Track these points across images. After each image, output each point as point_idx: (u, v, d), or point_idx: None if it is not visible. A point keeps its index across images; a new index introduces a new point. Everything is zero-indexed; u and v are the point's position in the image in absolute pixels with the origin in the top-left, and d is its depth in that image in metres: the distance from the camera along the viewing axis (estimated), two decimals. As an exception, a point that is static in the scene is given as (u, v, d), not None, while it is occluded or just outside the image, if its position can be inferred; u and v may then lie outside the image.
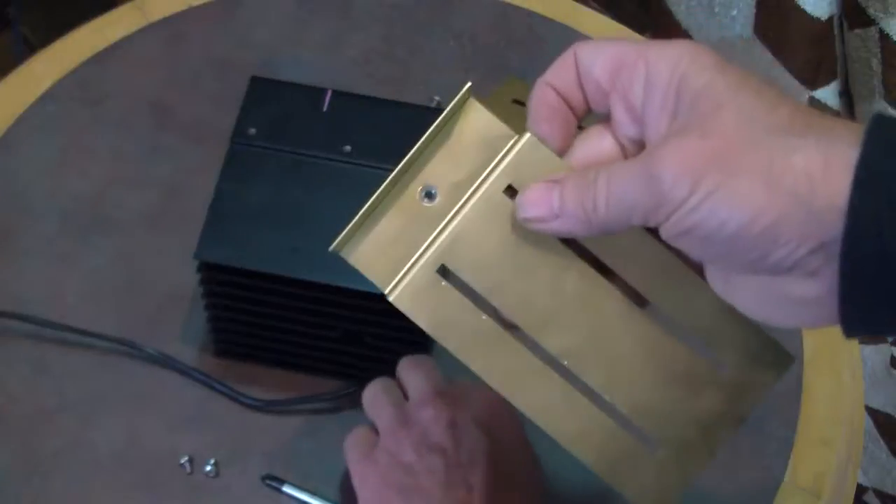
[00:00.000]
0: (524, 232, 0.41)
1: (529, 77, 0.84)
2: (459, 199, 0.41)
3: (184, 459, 0.64)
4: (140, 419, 0.66)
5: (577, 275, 0.41)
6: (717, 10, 1.09)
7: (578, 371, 0.41)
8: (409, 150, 0.41)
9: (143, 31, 0.83)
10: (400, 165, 0.41)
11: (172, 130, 0.78)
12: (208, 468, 0.64)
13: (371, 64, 0.84)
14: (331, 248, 0.41)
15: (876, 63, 0.99)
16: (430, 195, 0.41)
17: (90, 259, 0.72)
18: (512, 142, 0.41)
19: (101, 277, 0.71)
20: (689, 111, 0.36)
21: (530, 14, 0.87)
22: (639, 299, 0.42)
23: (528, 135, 0.41)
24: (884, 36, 0.97)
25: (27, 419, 0.66)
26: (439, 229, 0.41)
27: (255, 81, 0.67)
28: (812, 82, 1.07)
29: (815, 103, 1.08)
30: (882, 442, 1.07)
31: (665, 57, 0.38)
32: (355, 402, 0.61)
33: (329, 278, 0.59)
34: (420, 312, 0.42)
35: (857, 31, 0.99)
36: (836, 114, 1.09)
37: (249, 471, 0.65)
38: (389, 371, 0.59)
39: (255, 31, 0.84)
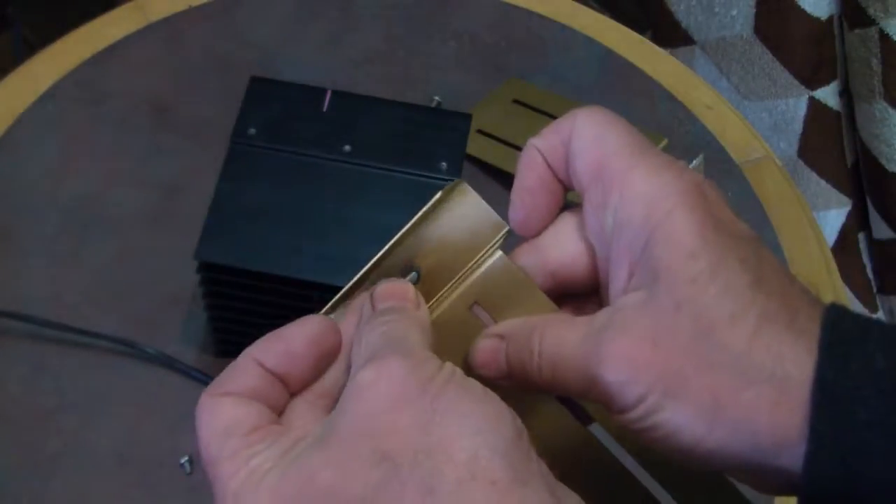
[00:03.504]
0: None
1: (529, 77, 0.85)
2: (435, 294, 0.39)
3: (184, 459, 0.64)
4: (140, 419, 0.66)
5: (534, 402, 0.39)
6: (717, 9, 1.09)
7: None
8: (401, 229, 0.39)
9: (143, 31, 0.84)
10: (390, 244, 0.39)
11: (172, 130, 0.78)
12: (208, 468, 0.64)
13: (371, 64, 0.84)
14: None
15: (876, 63, 0.99)
16: (413, 275, 0.39)
17: (90, 259, 0.72)
18: (483, 253, 0.39)
19: (100, 277, 0.71)
20: (648, 284, 0.34)
21: (530, 14, 0.87)
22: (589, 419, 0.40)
23: (498, 254, 0.39)
24: (884, 36, 0.97)
25: (27, 419, 0.66)
26: None
27: (255, 81, 0.67)
28: (812, 82, 1.07)
29: (815, 103, 1.08)
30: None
31: (643, 196, 0.34)
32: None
33: (329, 278, 0.59)
34: None
35: (857, 31, 0.99)
36: (836, 115, 1.09)
37: (249, 471, 0.64)
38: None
39: (255, 31, 0.85)
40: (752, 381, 0.32)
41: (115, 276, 0.71)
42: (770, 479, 0.34)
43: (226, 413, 0.34)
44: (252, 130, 0.64)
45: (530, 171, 0.38)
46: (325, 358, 0.36)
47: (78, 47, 0.82)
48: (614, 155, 0.36)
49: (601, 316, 0.35)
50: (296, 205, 0.61)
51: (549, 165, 0.38)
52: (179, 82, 0.81)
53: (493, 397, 0.33)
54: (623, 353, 0.33)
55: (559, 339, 0.36)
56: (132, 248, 0.73)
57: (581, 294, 0.39)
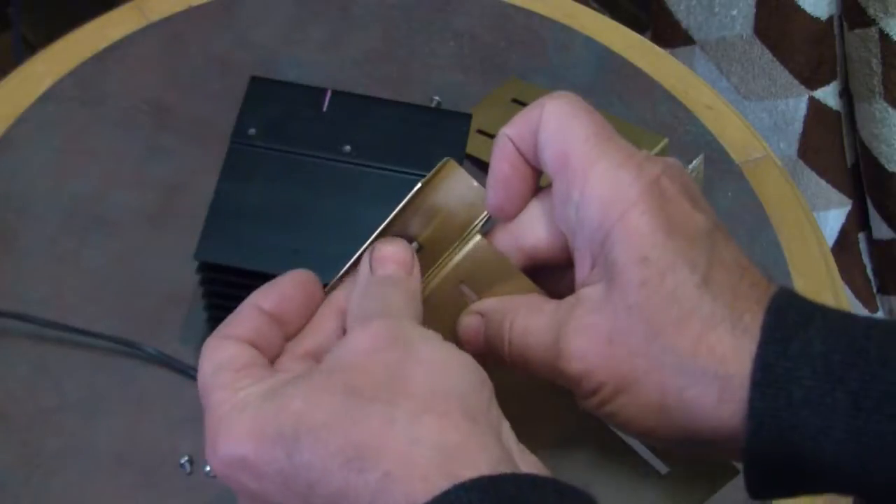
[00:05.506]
0: None
1: (529, 77, 0.85)
2: (434, 262, 0.41)
3: (184, 459, 0.64)
4: (140, 419, 0.66)
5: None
6: (717, 9, 1.09)
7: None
8: (395, 208, 0.41)
9: (143, 31, 0.83)
10: (387, 220, 0.41)
11: (172, 130, 0.78)
12: (208, 468, 0.64)
13: (371, 64, 0.84)
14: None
15: (876, 63, 0.99)
16: (414, 244, 0.41)
17: (90, 259, 0.72)
18: (476, 223, 0.41)
19: (101, 277, 0.71)
20: (605, 280, 0.36)
21: (530, 14, 0.87)
22: None
23: (478, 237, 0.41)
24: (884, 36, 0.97)
25: (27, 419, 0.66)
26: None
27: (255, 81, 0.67)
28: (812, 82, 1.07)
29: (815, 103, 1.08)
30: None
31: (599, 198, 0.36)
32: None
33: (329, 278, 0.59)
34: None
35: (857, 31, 0.99)
36: (837, 115, 1.09)
37: (249, 471, 0.64)
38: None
39: (255, 31, 0.85)
40: (695, 381, 0.35)
41: (115, 276, 0.71)
42: (731, 457, 0.37)
43: (224, 350, 0.38)
44: (252, 130, 0.64)
45: (502, 160, 0.40)
46: (311, 301, 0.40)
47: (78, 47, 0.82)
48: (576, 148, 0.37)
49: (565, 306, 0.38)
50: (296, 205, 0.62)
51: (520, 152, 0.40)
52: (179, 82, 0.81)
53: (462, 354, 0.35)
54: (580, 351, 0.36)
55: (526, 328, 0.38)
56: (132, 248, 0.73)
57: (558, 266, 0.41)
